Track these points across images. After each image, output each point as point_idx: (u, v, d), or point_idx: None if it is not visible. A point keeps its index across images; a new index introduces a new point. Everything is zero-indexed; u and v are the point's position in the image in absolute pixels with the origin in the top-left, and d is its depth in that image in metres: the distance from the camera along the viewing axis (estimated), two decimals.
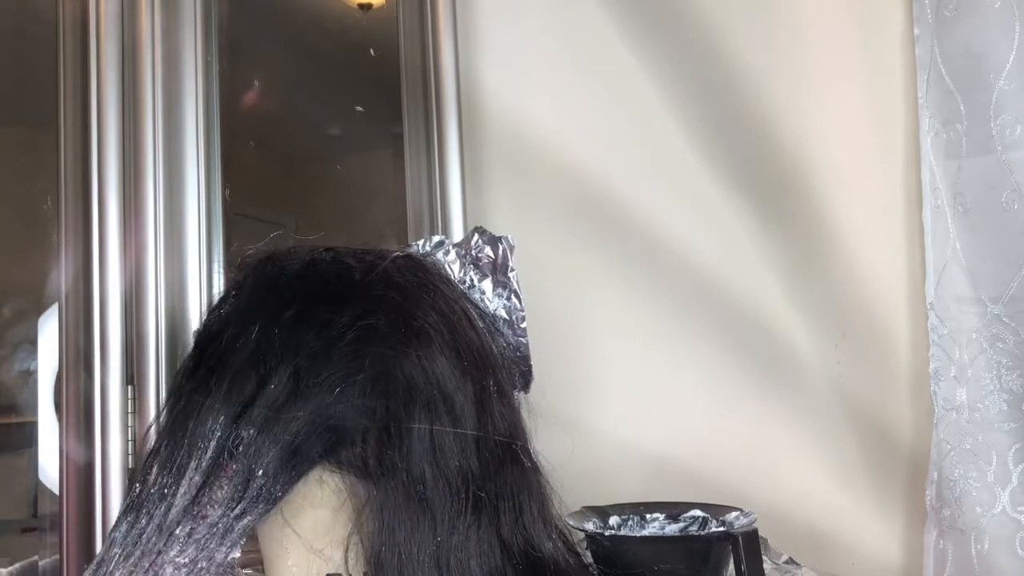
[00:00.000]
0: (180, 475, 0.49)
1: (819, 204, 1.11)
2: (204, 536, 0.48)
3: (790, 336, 1.09)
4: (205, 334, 0.55)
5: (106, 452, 0.76)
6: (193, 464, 0.49)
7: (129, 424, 0.77)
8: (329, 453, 0.50)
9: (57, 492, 0.77)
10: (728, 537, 0.61)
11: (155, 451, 0.52)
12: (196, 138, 0.81)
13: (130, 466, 0.77)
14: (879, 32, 1.14)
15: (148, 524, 0.49)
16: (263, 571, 0.56)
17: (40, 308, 0.80)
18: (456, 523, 0.49)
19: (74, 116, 0.79)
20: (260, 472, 0.48)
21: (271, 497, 0.48)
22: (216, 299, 0.58)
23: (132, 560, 0.48)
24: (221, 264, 0.82)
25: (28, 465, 0.82)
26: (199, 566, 0.47)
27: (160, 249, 0.79)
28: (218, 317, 0.55)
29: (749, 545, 0.59)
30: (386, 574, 0.48)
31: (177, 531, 0.48)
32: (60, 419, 0.78)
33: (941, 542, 1.07)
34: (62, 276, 0.78)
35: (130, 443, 0.77)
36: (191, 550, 0.47)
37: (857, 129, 1.14)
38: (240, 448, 0.48)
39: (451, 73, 0.92)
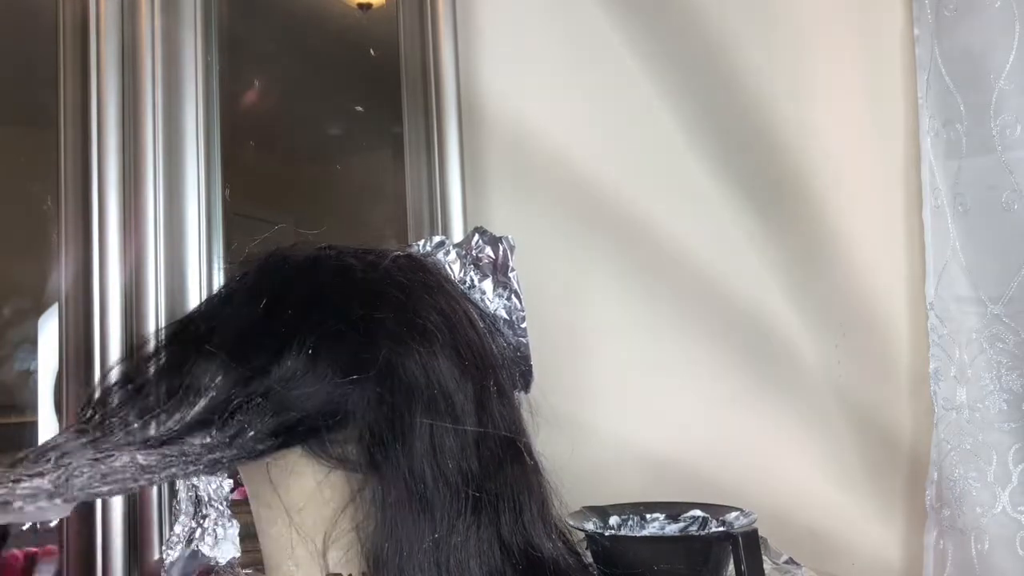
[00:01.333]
0: (162, 421, 0.48)
1: (819, 204, 1.11)
2: (174, 456, 0.46)
3: (790, 336, 1.09)
4: (207, 305, 0.55)
5: None
6: (178, 416, 0.48)
7: None
8: (324, 435, 0.49)
9: None
10: (728, 537, 0.61)
11: (133, 392, 0.51)
12: (196, 138, 0.81)
13: None
14: (879, 33, 1.14)
15: (121, 431, 0.48)
16: (264, 571, 0.56)
17: (40, 308, 0.80)
18: (456, 523, 0.49)
19: (74, 116, 0.79)
20: (252, 433, 0.47)
21: (251, 451, 0.47)
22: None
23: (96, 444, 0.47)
24: (221, 264, 0.82)
25: None
26: (151, 469, 0.45)
27: (160, 249, 0.79)
28: (221, 294, 0.55)
29: (749, 545, 0.59)
30: (386, 573, 0.48)
31: (151, 438, 0.47)
32: (60, 419, 0.78)
33: (941, 542, 1.07)
34: (62, 276, 0.78)
35: None
36: (154, 456, 0.45)
37: (857, 129, 1.14)
38: (241, 411, 0.47)
39: (451, 73, 0.92)
